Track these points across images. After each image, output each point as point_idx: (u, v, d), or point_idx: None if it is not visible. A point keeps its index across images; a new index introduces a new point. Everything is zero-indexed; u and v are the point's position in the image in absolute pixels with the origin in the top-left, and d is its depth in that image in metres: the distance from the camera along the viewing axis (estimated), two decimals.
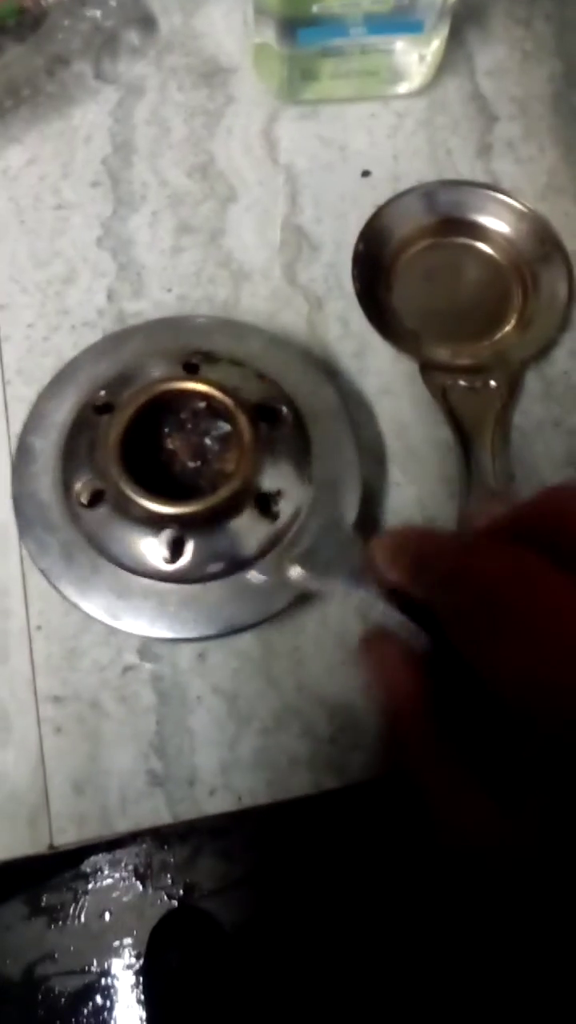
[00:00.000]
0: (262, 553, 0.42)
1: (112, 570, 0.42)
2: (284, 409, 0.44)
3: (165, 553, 0.41)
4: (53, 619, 0.45)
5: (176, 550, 0.41)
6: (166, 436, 0.45)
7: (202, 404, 0.44)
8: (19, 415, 0.48)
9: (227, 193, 0.53)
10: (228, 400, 0.42)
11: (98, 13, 0.54)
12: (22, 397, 0.49)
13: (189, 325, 0.49)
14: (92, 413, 0.44)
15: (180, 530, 0.41)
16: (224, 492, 0.40)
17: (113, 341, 0.48)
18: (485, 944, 1.21)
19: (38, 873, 1.31)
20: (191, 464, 0.44)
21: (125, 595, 0.42)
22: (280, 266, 0.52)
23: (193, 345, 0.46)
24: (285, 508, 0.42)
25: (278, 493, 0.42)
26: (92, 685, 0.44)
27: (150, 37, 0.57)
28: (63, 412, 0.46)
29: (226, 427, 0.44)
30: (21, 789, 0.43)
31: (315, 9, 0.49)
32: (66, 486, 0.43)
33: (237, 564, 0.42)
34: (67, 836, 0.42)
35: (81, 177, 0.54)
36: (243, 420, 0.42)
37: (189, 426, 0.45)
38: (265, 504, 0.42)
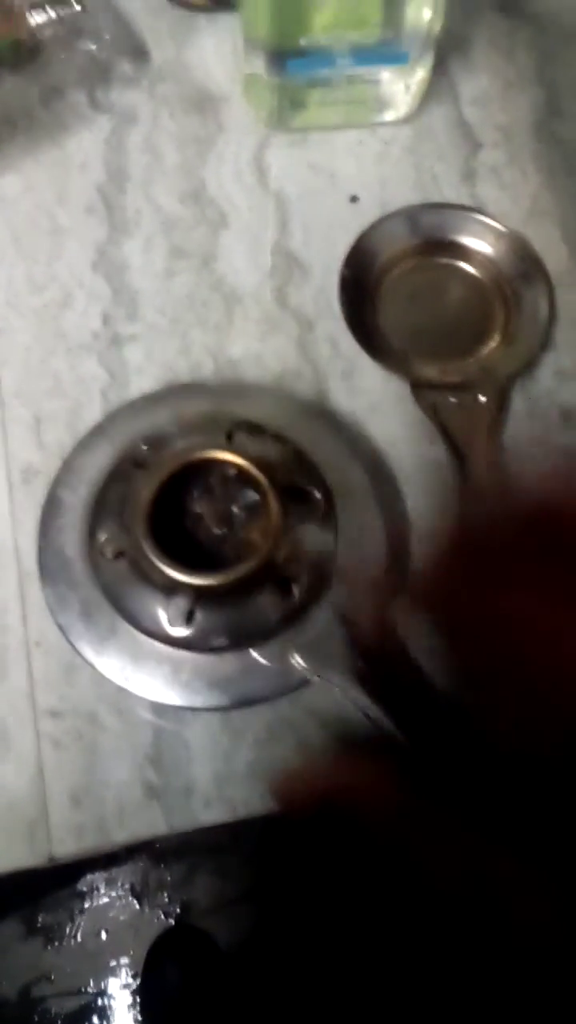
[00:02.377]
0: (271, 634, 0.42)
1: (128, 631, 0.42)
2: (317, 494, 0.44)
3: (177, 619, 0.41)
4: (51, 635, 0.46)
5: (188, 618, 0.41)
6: (194, 500, 0.45)
7: (233, 472, 0.44)
8: (17, 436, 0.49)
9: (218, 219, 0.55)
10: (262, 477, 0.42)
11: (93, 46, 0.56)
12: (19, 419, 0.50)
13: (228, 390, 0.50)
14: (131, 466, 0.44)
15: (193, 600, 0.41)
16: (243, 570, 0.40)
17: (149, 401, 0.49)
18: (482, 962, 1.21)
19: (34, 892, 1.31)
20: (217, 531, 0.44)
21: (140, 658, 0.42)
22: (271, 290, 0.53)
23: (236, 414, 0.46)
24: (301, 593, 0.42)
25: (297, 577, 0.42)
26: (90, 699, 0.45)
27: (143, 67, 0.59)
28: (95, 468, 0.46)
29: (254, 496, 0.44)
30: (20, 802, 0.43)
31: (303, 41, 0.50)
32: (92, 537, 0.44)
33: (243, 641, 0.41)
34: (66, 848, 0.43)
35: (76, 203, 0.55)
36: (273, 499, 0.41)
37: (218, 492, 0.44)
38: (285, 585, 0.42)
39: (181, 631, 0.41)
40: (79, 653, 0.43)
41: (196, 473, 0.44)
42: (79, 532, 0.44)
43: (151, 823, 0.43)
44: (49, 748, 0.44)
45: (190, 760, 0.44)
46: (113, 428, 0.47)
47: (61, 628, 0.43)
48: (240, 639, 0.41)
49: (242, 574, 0.40)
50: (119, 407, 0.49)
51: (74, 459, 0.47)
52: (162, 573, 0.40)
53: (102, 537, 0.43)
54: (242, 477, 0.44)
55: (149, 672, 0.42)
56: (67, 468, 0.46)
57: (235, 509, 0.44)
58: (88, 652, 0.43)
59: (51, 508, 0.46)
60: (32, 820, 0.43)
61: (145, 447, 0.45)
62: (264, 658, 0.41)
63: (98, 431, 0.48)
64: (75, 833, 0.43)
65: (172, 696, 0.42)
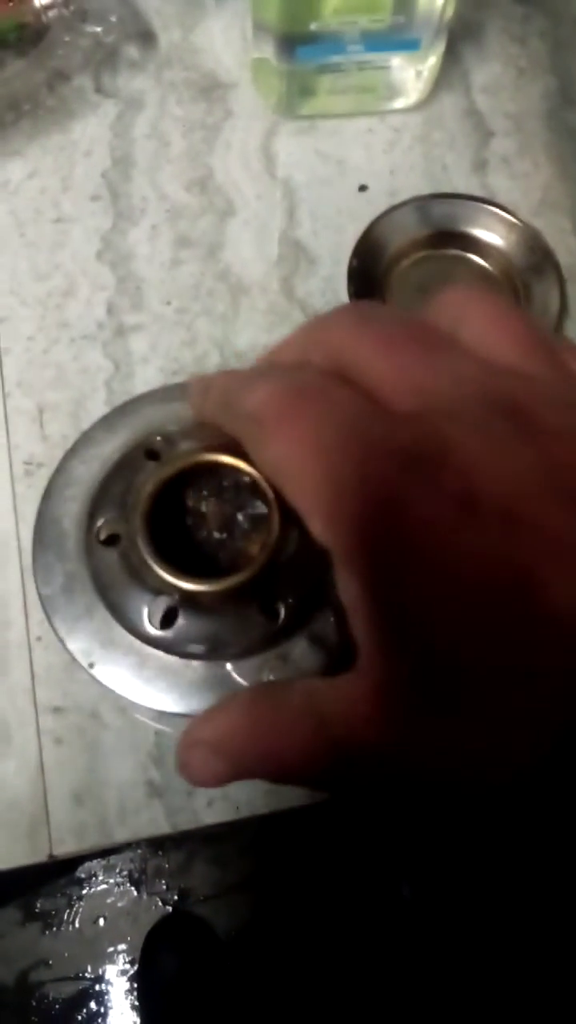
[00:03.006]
0: (248, 651, 0.40)
1: (104, 616, 0.41)
2: None
3: (158, 619, 0.40)
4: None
5: (167, 620, 0.40)
6: (200, 498, 0.43)
7: (247, 479, 0.42)
8: (19, 427, 0.49)
9: (225, 207, 0.54)
10: (270, 489, 0.39)
11: (99, 28, 0.55)
12: (22, 409, 0.49)
13: None
14: (142, 455, 0.43)
15: (176, 602, 0.39)
16: (233, 581, 0.38)
17: (179, 390, 0.47)
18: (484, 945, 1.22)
19: (32, 879, 1.32)
20: (217, 535, 0.42)
21: (108, 646, 0.41)
22: (278, 280, 0.52)
23: None
24: (287, 616, 0.40)
25: (285, 599, 0.40)
26: (92, 696, 0.44)
27: (150, 52, 0.58)
28: (111, 447, 0.45)
29: (263, 508, 0.42)
30: (21, 799, 0.43)
31: (313, 26, 0.49)
32: (91, 517, 0.43)
33: (219, 653, 0.40)
34: (66, 846, 0.42)
35: (81, 191, 0.54)
36: (276, 515, 0.39)
37: (227, 495, 0.43)
38: (270, 606, 0.40)
39: (160, 631, 0.40)
40: (51, 624, 0.42)
41: (207, 473, 0.43)
42: (80, 507, 0.43)
43: (153, 822, 0.43)
44: (50, 745, 0.44)
45: None
46: (138, 413, 0.46)
47: (41, 598, 0.42)
48: (217, 650, 0.40)
49: (232, 585, 0.38)
50: (146, 392, 0.48)
51: (93, 433, 0.46)
52: (151, 570, 0.39)
53: (100, 520, 0.42)
54: (253, 486, 0.43)
55: (114, 661, 0.41)
56: (85, 441, 0.45)
57: (240, 517, 0.43)
58: (60, 626, 0.42)
59: (60, 477, 0.44)
60: (33, 818, 0.43)
61: (160, 438, 0.43)
62: (237, 674, 0.40)
63: (121, 411, 0.46)
64: (76, 832, 0.42)
65: (131, 691, 0.41)
